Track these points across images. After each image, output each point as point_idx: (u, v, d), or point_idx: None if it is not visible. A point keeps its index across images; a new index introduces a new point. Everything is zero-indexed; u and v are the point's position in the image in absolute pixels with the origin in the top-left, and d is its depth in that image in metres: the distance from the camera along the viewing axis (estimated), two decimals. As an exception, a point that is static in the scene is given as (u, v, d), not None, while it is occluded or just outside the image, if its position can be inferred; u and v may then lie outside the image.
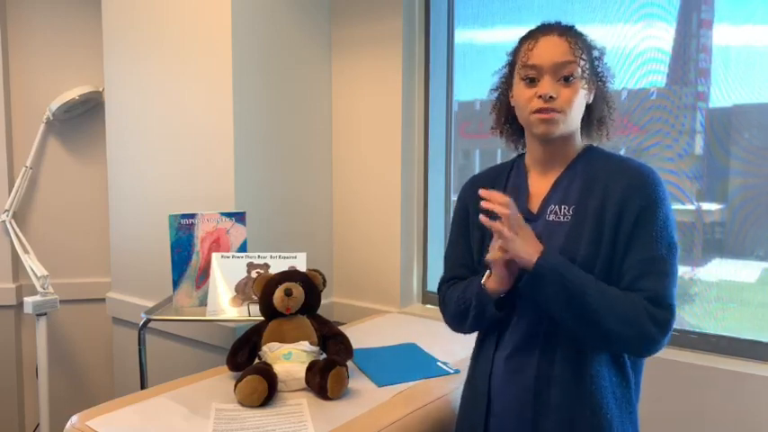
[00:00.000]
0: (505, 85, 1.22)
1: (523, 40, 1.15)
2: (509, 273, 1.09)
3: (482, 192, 1.06)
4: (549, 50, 1.09)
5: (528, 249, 1.05)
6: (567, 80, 1.08)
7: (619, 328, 1.02)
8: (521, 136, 1.25)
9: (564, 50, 1.08)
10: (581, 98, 1.10)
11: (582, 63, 1.09)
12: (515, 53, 1.17)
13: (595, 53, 1.15)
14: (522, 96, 1.12)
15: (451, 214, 1.39)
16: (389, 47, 2.18)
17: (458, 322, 1.23)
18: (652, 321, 1.03)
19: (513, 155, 1.30)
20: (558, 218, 1.12)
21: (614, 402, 1.10)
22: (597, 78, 1.16)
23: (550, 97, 1.07)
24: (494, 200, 1.05)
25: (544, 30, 1.12)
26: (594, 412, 1.08)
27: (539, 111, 1.09)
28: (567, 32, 1.11)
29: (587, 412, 1.08)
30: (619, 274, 1.07)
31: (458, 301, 1.20)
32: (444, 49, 2.25)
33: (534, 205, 1.17)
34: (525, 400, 1.13)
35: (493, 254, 1.08)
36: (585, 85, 1.11)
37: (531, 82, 1.10)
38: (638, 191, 1.07)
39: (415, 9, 2.19)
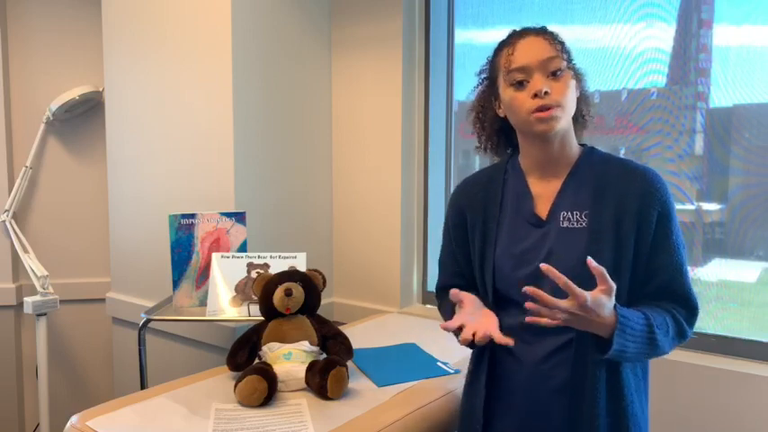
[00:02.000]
0: (486, 101, 1.21)
1: (499, 50, 1.15)
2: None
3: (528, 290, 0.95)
4: (532, 49, 1.08)
5: (599, 330, 0.99)
6: (555, 74, 1.08)
7: (672, 348, 1.09)
8: (508, 147, 1.25)
9: (545, 47, 1.08)
10: (572, 90, 1.10)
11: (565, 56, 1.09)
12: (494, 65, 1.16)
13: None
14: (515, 101, 1.10)
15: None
16: (389, 47, 2.18)
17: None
18: (689, 327, 1.10)
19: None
20: (573, 224, 1.12)
21: (636, 394, 1.12)
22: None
23: (545, 93, 1.06)
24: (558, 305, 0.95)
25: (518, 34, 1.12)
26: (628, 416, 1.10)
27: (537, 110, 1.07)
28: (542, 32, 1.11)
29: (623, 419, 1.09)
30: (645, 277, 1.09)
31: (446, 313, 1.26)
32: (444, 49, 2.25)
33: (542, 210, 1.16)
34: (555, 406, 1.12)
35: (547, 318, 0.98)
36: (573, 78, 1.11)
37: (520, 85, 1.09)
38: (654, 198, 1.08)
39: (415, 9, 2.19)
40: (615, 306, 0.98)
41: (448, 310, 1.25)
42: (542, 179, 1.17)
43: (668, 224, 1.09)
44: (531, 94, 1.07)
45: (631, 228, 1.08)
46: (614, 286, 0.96)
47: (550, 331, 1.13)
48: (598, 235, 1.08)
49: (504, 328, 1.18)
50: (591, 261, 0.94)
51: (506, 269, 1.16)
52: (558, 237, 1.12)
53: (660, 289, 1.09)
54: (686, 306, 1.10)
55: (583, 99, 1.18)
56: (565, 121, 1.09)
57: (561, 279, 0.93)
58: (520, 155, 1.22)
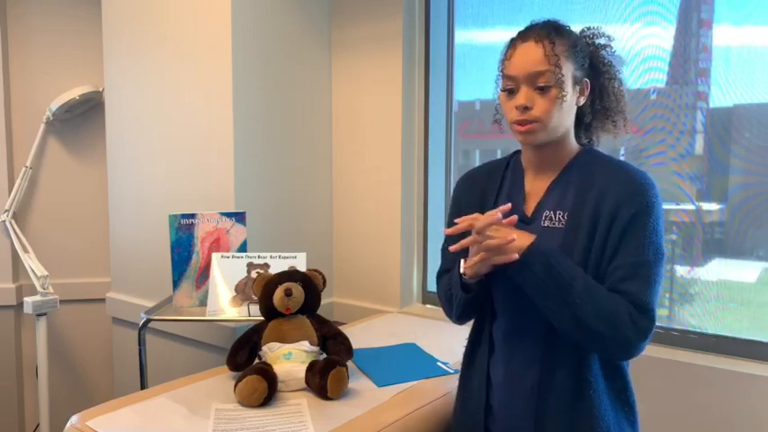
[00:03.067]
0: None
1: (506, 48, 1.15)
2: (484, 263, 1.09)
3: (458, 222, 1.06)
4: (524, 60, 1.08)
5: (516, 244, 1.04)
6: (542, 89, 1.07)
7: (599, 327, 1.02)
8: None
9: (537, 59, 1.07)
10: (559, 105, 1.08)
11: (557, 70, 1.07)
12: (500, 61, 1.17)
13: (601, 40, 1.15)
14: (504, 107, 1.14)
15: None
16: (389, 47, 2.18)
17: (448, 309, 1.25)
18: (633, 325, 1.02)
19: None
20: (553, 224, 1.13)
21: (610, 405, 1.11)
22: (596, 72, 1.15)
23: (525, 108, 1.08)
24: (467, 222, 1.05)
25: (523, 35, 1.11)
26: (593, 416, 1.09)
27: (517, 122, 1.10)
28: (546, 37, 1.08)
29: (586, 418, 1.09)
30: (604, 273, 1.07)
31: (446, 288, 1.24)
32: (444, 49, 2.25)
33: (529, 208, 1.17)
34: (527, 407, 1.14)
35: (472, 266, 1.09)
36: (566, 92, 1.08)
37: (511, 92, 1.11)
38: (631, 198, 1.06)
39: (415, 9, 2.19)
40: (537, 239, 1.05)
41: (455, 275, 1.21)
42: (536, 177, 1.19)
43: (641, 223, 1.05)
44: (514, 105, 1.10)
45: (604, 226, 1.07)
46: (506, 218, 1.04)
47: (527, 330, 1.14)
48: (572, 236, 1.09)
49: (477, 305, 1.20)
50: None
51: None
52: (538, 236, 1.11)
53: (617, 284, 1.05)
54: (639, 309, 1.03)
55: (605, 97, 1.16)
56: (546, 134, 1.10)
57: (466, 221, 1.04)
58: (522, 152, 1.24)
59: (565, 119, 1.12)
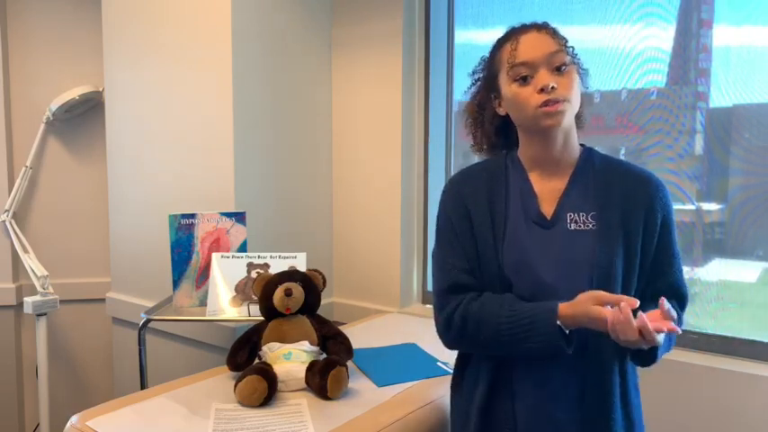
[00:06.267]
0: (484, 100, 1.19)
1: (499, 46, 1.14)
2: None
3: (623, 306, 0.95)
4: (536, 44, 1.07)
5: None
6: (560, 69, 1.07)
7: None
8: (504, 146, 1.22)
9: (549, 41, 1.08)
10: (577, 84, 1.09)
11: (569, 50, 1.09)
12: (494, 61, 1.15)
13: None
14: (520, 96, 1.08)
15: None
16: (389, 47, 2.18)
17: (482, 344, 1.11)
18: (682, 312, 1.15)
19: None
20: (580, 226, 1.10)
21: (634, 389, 1.15)
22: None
23: (552, 87, 1.04)
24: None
25: (519, 30, 1.12)
26: (631, 407, 1.12)
27: (544, 104, 1.05)
28: (544, 27, 1.11)
29: (628, 410, 1.11)
30: (650, 277, 1.11)
31: (506, 324, 1.06)
32: (444, 49, 2.25)
33: (547, 210, 1.13)
34: (566, 410, 1.10)
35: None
36: (581, 70, 1.11)
37: (524, 80, 1.07)
38: (659, 204, 1.11)
39: (415, 9, 2.19)
40: None
41: (494, 303, 1.10)
42: (544, 178, 1.15)
43: (671, 228, 1.13)
44: (536, 89, 1.06)
45: (638, 231, 1.09)
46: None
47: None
48: (608, 238, 1.08)
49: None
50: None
51: (515, 267, 1.11)
52: (567, 239, 1.10)
53: (666, 289, 1.12)
54: (682, 303, 1.15)
55: (583, 97, 1.16)
56: (570, 116, 1.08)
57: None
58: (519, 151, 1.19)
59: (579, 101, 1.11)
